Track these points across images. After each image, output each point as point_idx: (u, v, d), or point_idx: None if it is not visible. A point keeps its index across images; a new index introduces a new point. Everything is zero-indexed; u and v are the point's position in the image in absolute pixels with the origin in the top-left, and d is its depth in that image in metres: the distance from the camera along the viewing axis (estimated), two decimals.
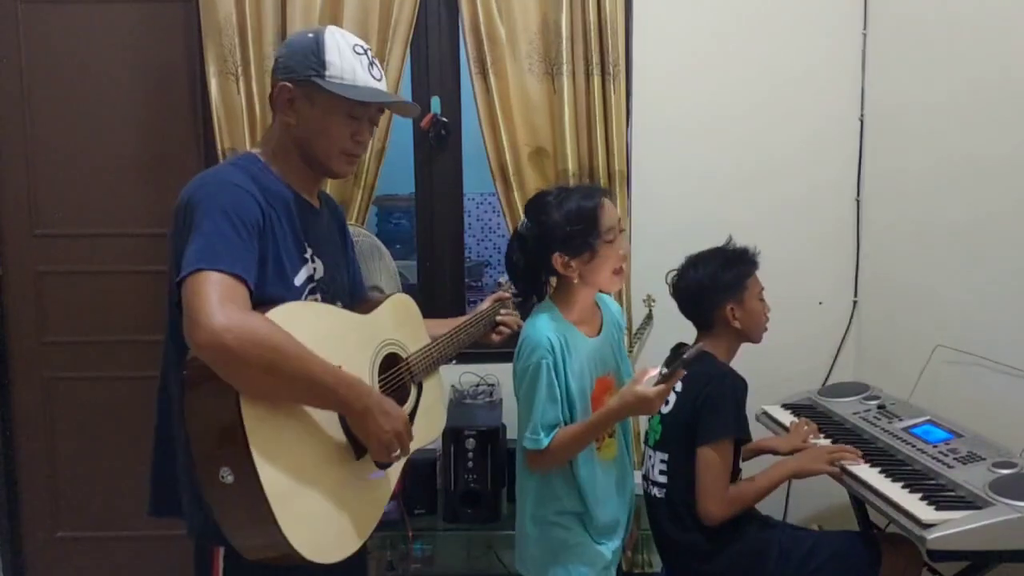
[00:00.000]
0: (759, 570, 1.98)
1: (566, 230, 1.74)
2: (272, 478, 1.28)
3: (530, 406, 1.75)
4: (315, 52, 1.47)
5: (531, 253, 1.81)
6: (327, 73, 1.47)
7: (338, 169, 1.56)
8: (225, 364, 1.25)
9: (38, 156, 2.78)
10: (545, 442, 1.73)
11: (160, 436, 1.54)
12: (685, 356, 1.62)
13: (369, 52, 1.54)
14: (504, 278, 2.00)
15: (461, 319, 1.91)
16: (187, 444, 1.40)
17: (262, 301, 1.37)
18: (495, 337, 1.98)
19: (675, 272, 2.15)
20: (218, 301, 1.24)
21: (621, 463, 1.92)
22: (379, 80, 1.54)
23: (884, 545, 2.04)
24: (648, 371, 1.66)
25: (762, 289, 2.14)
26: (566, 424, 1.76)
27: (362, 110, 1.52)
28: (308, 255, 1.53)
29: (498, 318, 1.97)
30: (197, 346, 1.25)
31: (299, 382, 1.32)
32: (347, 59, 1.48)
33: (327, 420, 1.43)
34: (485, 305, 1.98)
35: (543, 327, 1.77)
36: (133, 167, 2.78)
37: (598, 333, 1.87)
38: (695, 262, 2.12)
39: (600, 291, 1.88)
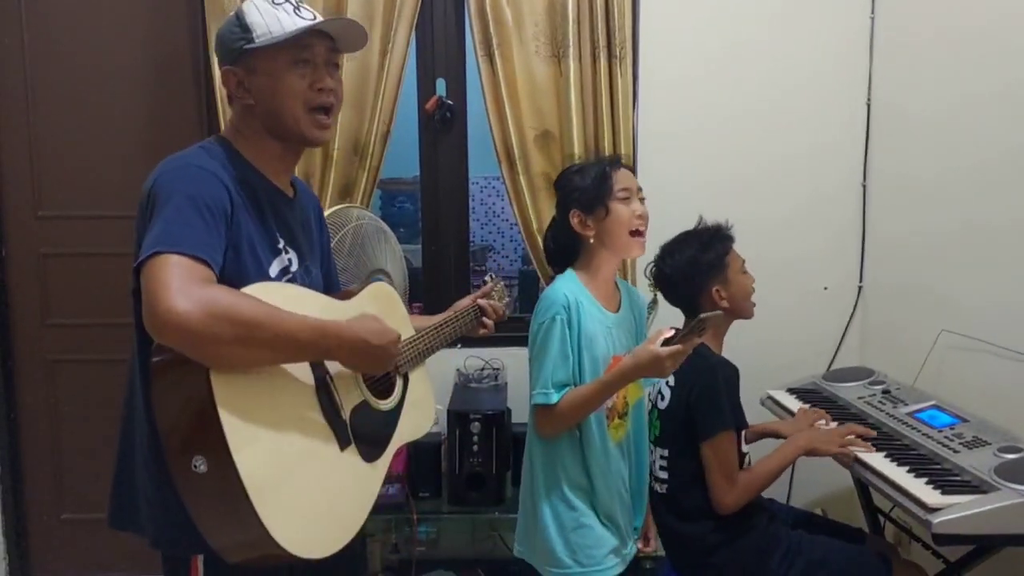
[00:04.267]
0: (762, 567, 1.96)
1: (580, 188, 1.82)
2: (250, 466, 1.17)
3: (542, 361, 1.76)
4: (238, 24, 1.43)
5: (558, 227, 1.87)
6: (255, 35, 1.41)
7: (310, 132, 1.46)
8: (196, 347, 1.16)
9: (41, 138, 2.77)
10: (555, 398, 1.73)
11: (123, 447, 1.45)
12: (702, 316, 1.61)
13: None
14: (491, 275, 2.02)
15: (440, 316, 1.84)
16: (151, 441, 1.32)
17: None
18: (482, 330, 1.90)
19: (653, 264, 2.11)
20: (177, 284, 1.16)
21: (637, 452, 1.93)
22: (311, 19, 1.44)
23: (896, 567, 2.02)
24: (663, 331, 1.65)
25: (743, 261, 2.10)
26: (576, 386, 1.76)
27: (307, 52, 1.43)
28: (281, 245, 1.46)
29: (480, 301, 1.89)
30: (160, 334, 1.16)
31: (278, 345, 1.24)
32: (268, 13, 1.42)
33: (307, 408, 1.35)
34: (465, 302, 1.90)
35: (561, 287, 1.81)
36: (136, 149, 2.76)
37: (617, 311, 1.89)
38: (671, 250, 2.08)
39: (621, 255, 1.91)
